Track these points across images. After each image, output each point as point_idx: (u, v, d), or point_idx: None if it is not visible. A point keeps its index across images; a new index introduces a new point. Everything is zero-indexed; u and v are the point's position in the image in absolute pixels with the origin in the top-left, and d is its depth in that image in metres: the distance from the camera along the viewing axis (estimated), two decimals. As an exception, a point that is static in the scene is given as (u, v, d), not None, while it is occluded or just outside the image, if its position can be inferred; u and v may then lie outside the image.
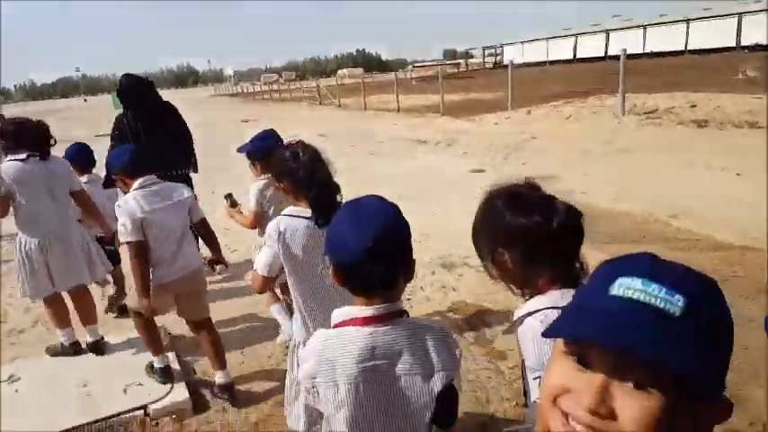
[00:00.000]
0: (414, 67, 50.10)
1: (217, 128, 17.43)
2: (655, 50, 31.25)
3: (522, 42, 44.80)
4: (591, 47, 36.71)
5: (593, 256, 1.12)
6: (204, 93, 78.01)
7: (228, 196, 3.21)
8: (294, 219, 1.90)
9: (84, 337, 3.27)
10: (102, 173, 3.35)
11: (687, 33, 30.91)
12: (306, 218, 1.88)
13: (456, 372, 1.22)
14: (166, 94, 4.79)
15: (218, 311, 3.56)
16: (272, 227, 1.89)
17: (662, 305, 0.54)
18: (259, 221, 3.04)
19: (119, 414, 2.64)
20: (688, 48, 30.27)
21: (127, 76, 4.17)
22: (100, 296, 4.00)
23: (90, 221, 3.41)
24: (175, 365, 3.01)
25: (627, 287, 0.56)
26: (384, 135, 13.08)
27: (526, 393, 1.33)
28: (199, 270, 2.82)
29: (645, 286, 0.55)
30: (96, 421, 2.60)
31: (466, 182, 7.14)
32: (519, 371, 1.77)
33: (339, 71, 74.36)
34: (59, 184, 3.11)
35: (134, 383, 2.86)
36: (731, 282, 3.63)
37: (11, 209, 3.00)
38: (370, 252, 1.13)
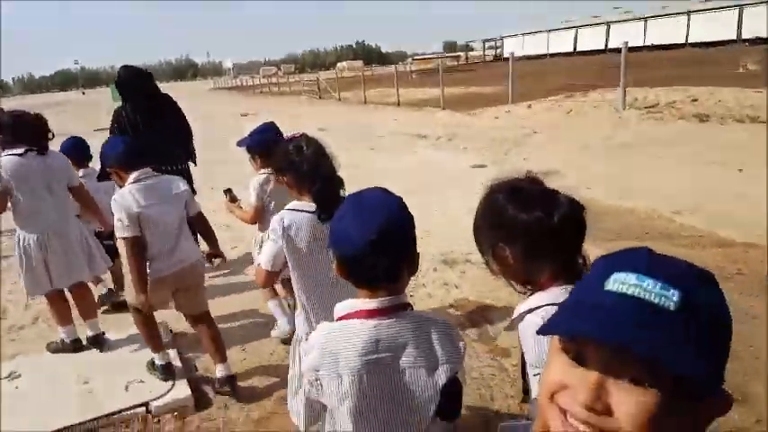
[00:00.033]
0: (413, 59, 49.85)
1: (216, 121, 17.36)
2: (655, 43, 31.12)
3: (523, 35, 44.59)
4: (591, 39, 36.59)
5: (595, 253, 1.10)
6: (204, 86, 77.65)
7: (228, 191, 3.19)
8: (298, 213, 1.88)
9: (85, 335, 3.25)
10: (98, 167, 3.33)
11: (688, 26, 30.80)
12: (309, 212, 1.87)
13: (460, 364, 1.21)
14: (165, 87, 4.75)
15: (220, 308, 3.55)
16: (276, 221, 1.87)
17: (656, 300, 0.53)
18: (259, 216, 3.02)
19: (120, 411, 2.63)
20: (689, 40, 30.17)
21: (125, 67, 4.17)
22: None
23: (88, 216, 3.39)
24: (177, 362, 3.00)
25: (622, 282, 0.55)
26: (384, 130, 13.02)
27: (527, 390, 1.31)
28: (197, 264, 2.80)
29: (639, 281, 0.54)
30: (98, 418, 2.58)
31: (467, 177, 7.11)
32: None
33: (339, 64, 74.01)
34: (57, 179, 3.08)
35: (135, 380, 2.84)
36: (734, 279, 3.62)
37: (9, 204, 2.97)
38: (374, 245, 1.12)
